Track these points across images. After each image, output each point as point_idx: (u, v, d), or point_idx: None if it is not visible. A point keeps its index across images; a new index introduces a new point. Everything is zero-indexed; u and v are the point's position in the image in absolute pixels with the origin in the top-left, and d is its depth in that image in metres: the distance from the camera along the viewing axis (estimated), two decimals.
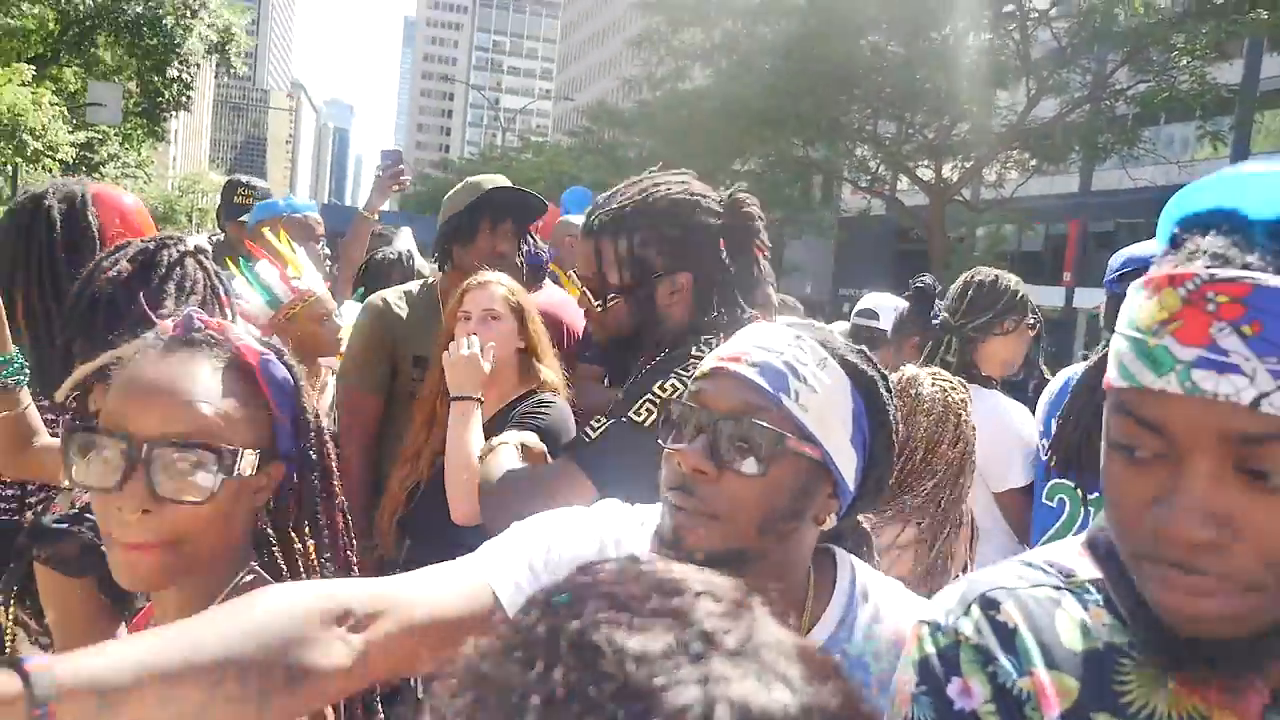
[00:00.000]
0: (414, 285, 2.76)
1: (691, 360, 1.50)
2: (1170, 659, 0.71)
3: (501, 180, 2.70)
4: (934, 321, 2.80)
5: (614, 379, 2.25)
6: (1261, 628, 0.66)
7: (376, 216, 3.68)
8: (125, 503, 0.95)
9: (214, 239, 5.62)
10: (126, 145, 30.87)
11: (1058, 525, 2.27)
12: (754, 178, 22.75)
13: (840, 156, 21.04)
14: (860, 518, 1.18)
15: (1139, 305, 0.66)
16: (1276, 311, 0.60)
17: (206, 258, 1.60)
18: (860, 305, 3.77)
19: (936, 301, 3.04)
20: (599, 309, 1.64)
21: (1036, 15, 16.97)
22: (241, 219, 3.73)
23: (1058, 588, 0.80)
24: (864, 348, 1.10)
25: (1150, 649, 0.73)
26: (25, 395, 1.70)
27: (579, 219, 4.68)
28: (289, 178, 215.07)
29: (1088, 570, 0.80)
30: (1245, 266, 0.62)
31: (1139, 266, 2.76)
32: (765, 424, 0.98)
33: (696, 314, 1.63)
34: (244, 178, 3.92)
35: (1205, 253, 0.64)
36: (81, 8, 27.60)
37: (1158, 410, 0.64)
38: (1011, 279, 2.67)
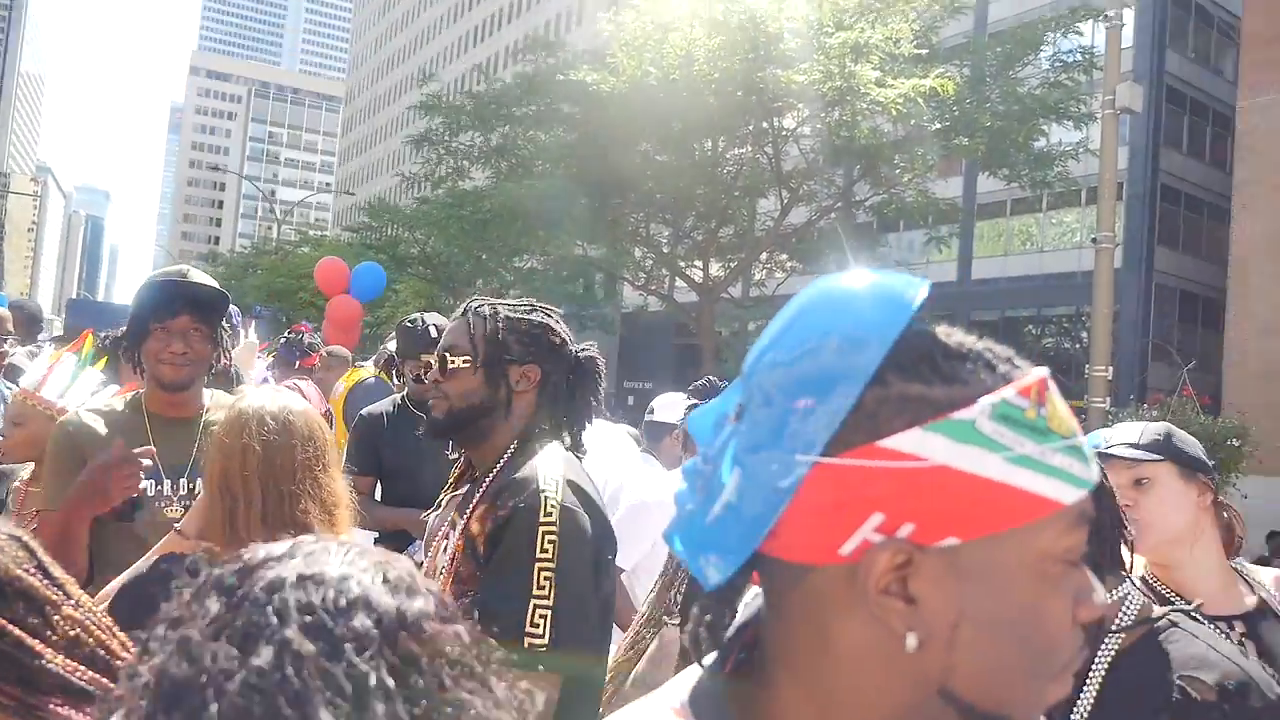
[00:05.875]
0: (121, 399, 2.54)
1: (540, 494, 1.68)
2: None
3: (182, 271, 2.50)
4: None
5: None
6: None
7: None
8: None
9: None
10: None
11: None
12: (534, 274, 23.28)
13: (618, 256, 22.01)
14: None
15: (1052, 413, 0.64)
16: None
17: None
18: (650, 405, 4.04)
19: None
20: (447, 372, 1.81)
21: (786, 133, 18.78)
22: None
23: None
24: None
25: None
26: None
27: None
28: (30, 267, 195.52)
29: None
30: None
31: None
32: None
33: (536, 416, 1.83)
34: None
35: (1004, 358, 0.66)
36: None
37: (1088, 504, 0.65)
38: None
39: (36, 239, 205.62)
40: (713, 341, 21.01)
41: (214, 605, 0.61)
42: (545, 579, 1.60)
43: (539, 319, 1.87)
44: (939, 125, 17.41)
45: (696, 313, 21.23)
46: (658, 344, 33.67)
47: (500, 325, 1.82)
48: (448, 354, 1.83)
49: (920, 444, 0.61)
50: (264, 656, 0.57)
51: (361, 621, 0.60)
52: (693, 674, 0.74)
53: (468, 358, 1.81)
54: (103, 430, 2.35)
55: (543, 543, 1.61)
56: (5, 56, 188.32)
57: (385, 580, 0.63)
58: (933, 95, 15.55)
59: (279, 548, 0.65)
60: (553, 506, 1.64)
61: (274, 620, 0.59)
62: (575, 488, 1.71)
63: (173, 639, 0.60)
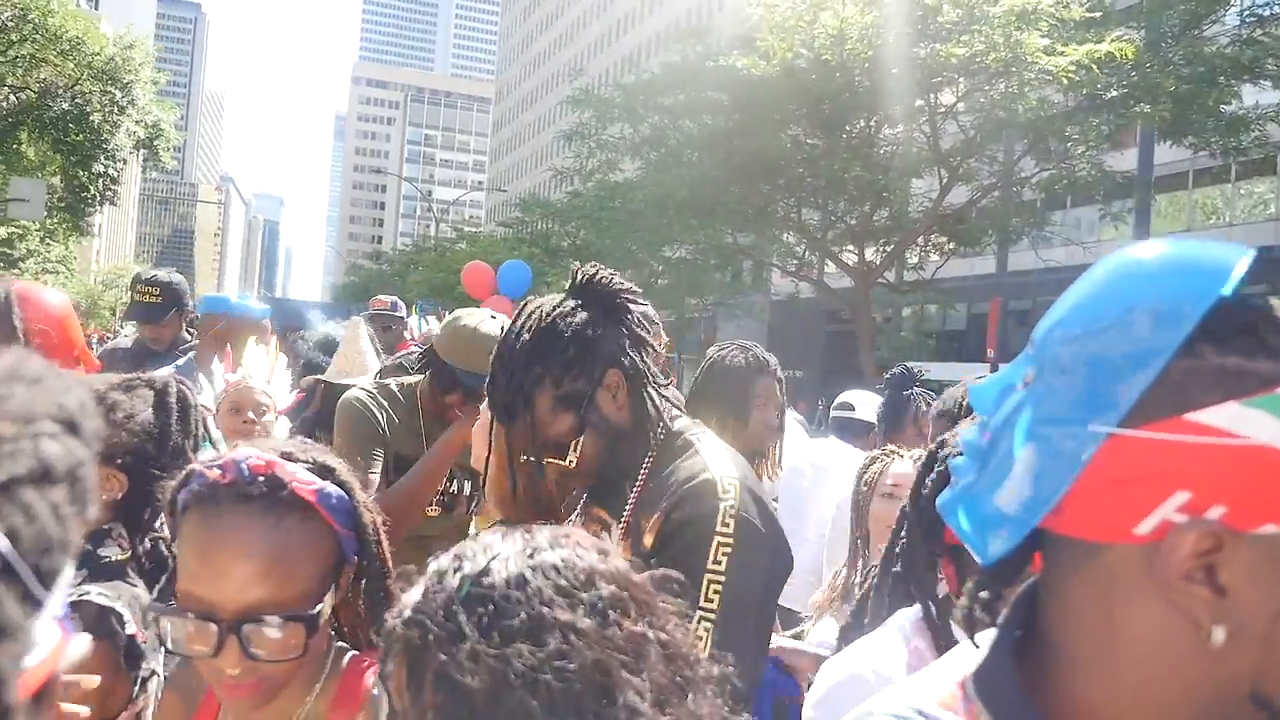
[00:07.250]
0: (393, 384, 2.69)
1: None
2: None
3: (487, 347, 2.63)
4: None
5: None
6: None
7: None
8: (224, 664, 1.01)
9: (127, 337, 5.44)
10: (48, 240, 30.23)
11: None
12: (685, 264, 23.28)
13: (767, 243, 21.65)
14: None
15: None
16: None
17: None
18: (838, 400, 3.83)
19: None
20: (572, 464, 1.59)
21: (944, 109, 17.96)
22: (153, 321, 3.48)
23: None
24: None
25: None
26: None
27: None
28: (218, 270, 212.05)
29: None
30: None
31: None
32: None
33: (640, 395, 1.62)
34: (147, 272, 3.64)
35: None
36: (4, 105, 27.28)
37: None
38: None
39: (222, 243, 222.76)
40: (868, 328, 20.38)
41: (465, 618, 0.64)
42: (714, 591, 1.53)
43: (554, 329, 1.56)
44: (1115, 93, 16.20)
45: (850, 298, 20.66)
46: (809, 331, 33.07)
47: (551, 379, 1.56)
48: (556, 456, 1.58)
49: (1239, 420, 0.56)
50: (554, 645, 0.63)
51: (606, 588, 0.67)
52: (969, 651, 0.71)
53: (571, 440, 1.57)
54: (384, 412, 2.60)
55: (716, 554, 1.53)
56: (190, 79, 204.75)
57: (593, 549, 0.71)
58: (1109, 60, 14.47)
59: (481, 545, 0.70)
60: (730, 517, 1.53)
61: (543, 609, 0.64)
62: (754, 497, 1.58)
63: (446, 661, 0.64)
